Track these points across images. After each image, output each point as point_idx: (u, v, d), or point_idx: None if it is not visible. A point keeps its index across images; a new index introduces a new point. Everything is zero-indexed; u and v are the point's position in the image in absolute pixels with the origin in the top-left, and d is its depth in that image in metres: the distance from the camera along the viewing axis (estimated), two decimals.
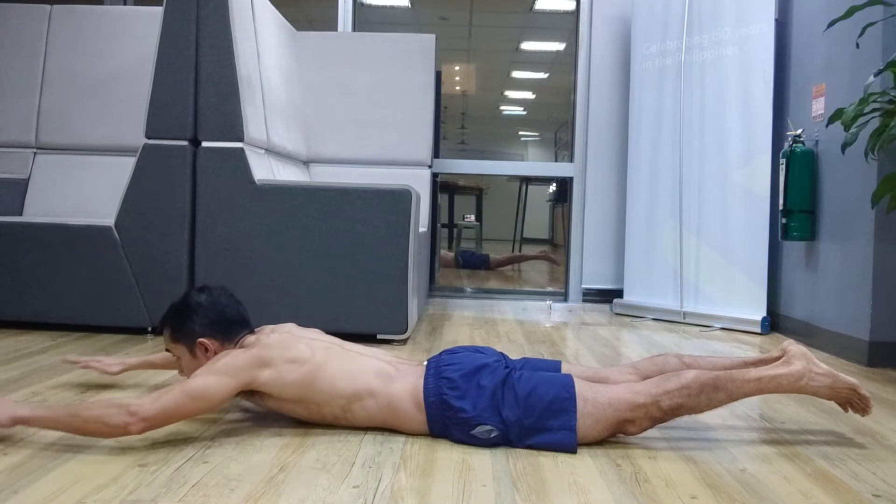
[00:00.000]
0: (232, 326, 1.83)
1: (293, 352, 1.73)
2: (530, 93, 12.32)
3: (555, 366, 1.89)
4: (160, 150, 3.02)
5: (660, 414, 1.69)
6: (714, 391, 1.70)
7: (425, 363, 1.80)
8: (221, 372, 1.67)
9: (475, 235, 8.91)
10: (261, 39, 3.43)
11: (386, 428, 1.79)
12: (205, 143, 3.02)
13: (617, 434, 1.72)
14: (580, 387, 1.70)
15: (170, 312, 1.85)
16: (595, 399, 1.69)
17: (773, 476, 1.58)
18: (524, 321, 3.90)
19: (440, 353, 1.82)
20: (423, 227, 3.94)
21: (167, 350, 1.87)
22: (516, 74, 11.16)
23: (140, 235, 3.02)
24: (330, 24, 4.81)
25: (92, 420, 1.56)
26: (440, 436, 1.75)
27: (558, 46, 9.41)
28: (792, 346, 1.83)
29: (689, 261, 4.00)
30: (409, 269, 2.95)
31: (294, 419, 1.83)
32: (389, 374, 1.76)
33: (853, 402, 1.81)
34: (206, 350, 1.80)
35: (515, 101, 13.04)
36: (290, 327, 1.92)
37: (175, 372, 2.31)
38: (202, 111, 3.02)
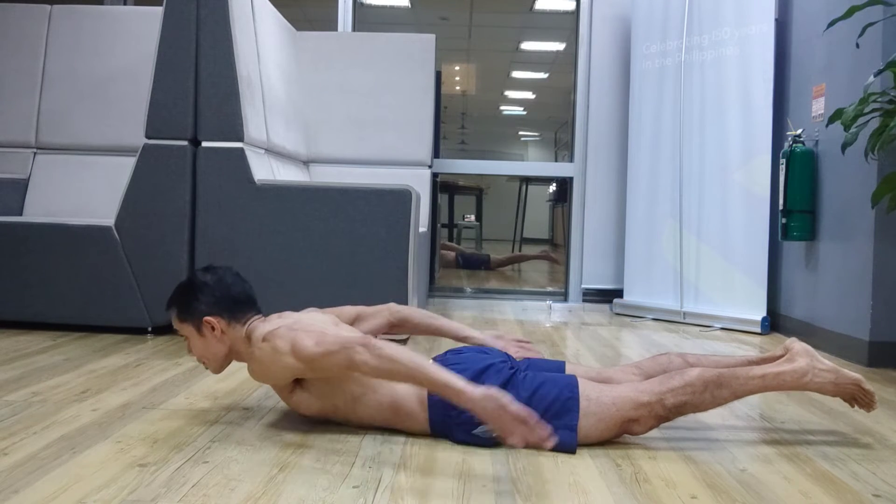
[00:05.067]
0: (238, 305, 1.83)
1: (315, 323, 1.78)
2: (530, 93, 12.33)
3: (558, 366, 1.89)
4: (160, 150, 3.02)
5: (664, 412, 1.69)
6: (718, 388, 1.70)
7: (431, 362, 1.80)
8: (301, 330, 1.69)
9: (475, 236, 8.91)
10: (261, 39, 3.43)
11: (387, 427, 1.79)
12: (205, 143, 3.02)
13: (623, 434, 1.72)
14: (584, 386, 1.70)
15: (176, 293, 1.85)
16: (599, 398, 1.69)
17: (773, 476, 1.58)
18: (524, 321, 3.90)
19: (445, 353, 1.82)
20: (423, 227, 3.94)
21: (176, 330, 1.87)
22: (516, 74, 11.16)
23: (140, 235, 3.02)
24: (330, 24, 4.81)
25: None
26: (441, 435, 1.75)
27: (558, 46, 9.41)
28: (795, 343, 1.83)
29: (689, 261, 4.00)
30: (409, 269, 2.95)
31: (294, 419, 1.83)
32: None
33: (858, 397, 1.80)
34: (213, 329, 1.79)
35: (515, 101, 13.04)
36: (290, 313, 1.92)
37: (164, 370, 2.30)
38: (202, 111, 3.02)
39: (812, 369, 1.76)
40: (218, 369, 1.86)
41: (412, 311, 2.08)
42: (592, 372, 1.89)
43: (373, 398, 1.74)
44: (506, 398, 1.45)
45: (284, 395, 1.79)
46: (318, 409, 1.78)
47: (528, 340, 2.04)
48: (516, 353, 1.97)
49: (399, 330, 2.08)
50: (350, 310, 2.07)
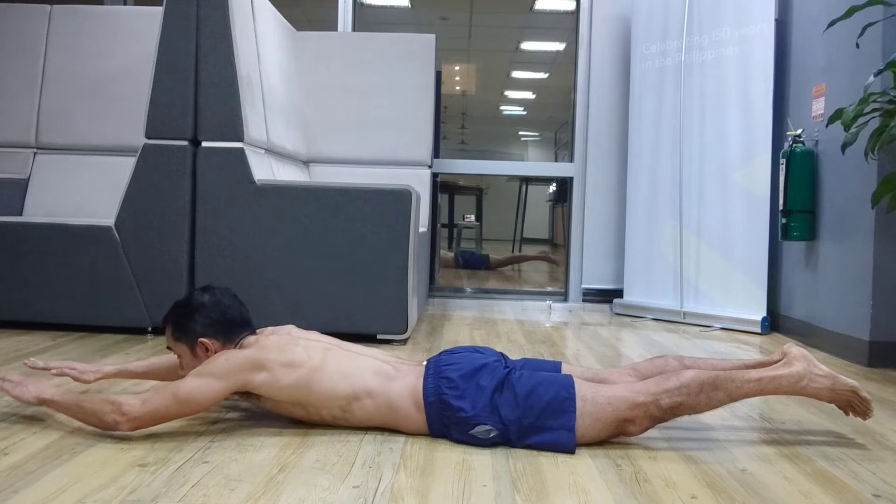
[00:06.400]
0: (233, 328, 1.84)
1: (290, 355, 1.73)
2: (530, 93, 12.33)
3: (555, 366, 1.89)
4: (160, 150, 3.02)
5: (659, 413, 1.69)
6: (713, 390, 1.70)
7: (425, 363, 1.80)
8: (213, 375, 1.67)
9: (475, 236, 8.91)
10: (261, 39, 3.43)
11: (385, 428, 1.79)
12: (205, 143, 3.02)
13: (618, 435, 1.72)
14: (580, 386, 1.70)
15: (173, 311, 1.85)
16: (594, 398, 1.69)
17: (773, 476, 1.58)
18: (524, 321, 3.90)
19: (439, 354, 1.82)
20: (423, 227, 3.94)
21: (168, 348, 1.87)
22: (516, 74, 11.16)
23: (140, 235, 3.02)
24: (330, 24, 4.81)
25: (90, 413, 1.67)
26: (440, 435, 1.75)
27: (558, 46, 9.41)
28: (793, 348, 1.83)
29: (689, 261, 4.00)
30: (409, 269, 2.95)
31: (293, 419, 1.83)
32: (388, 373, 1.76)
33: (854, 404, 1.80)
34: (207, 350, 1.80)
35: (515, 101, 13.04)
36: (290, 329, 1.93)
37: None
38: (202, 111, 3.02)
39: (809, 374, 1.76)
40: None
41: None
42: (589, 373, 1.89)
43: (369, 403, 1.75)
44: None
45: (255, 402, 1.80)
46: (305, 419, 1.80)
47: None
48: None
49: None
50: None
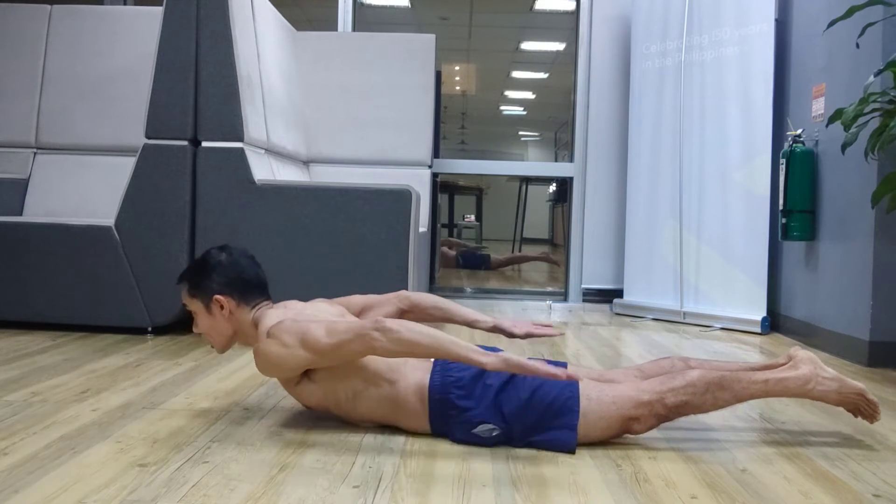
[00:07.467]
0: (249, 288, 1.85)
1: (321, 315, 1.79)
2: (530, 93, 12.33)
3: (561, 367, 1.88)
4: (160, 150, 3.02)
5: (664, 411, 1.69)
6: (719, 390, 1.70)
7: (433, 360, 1.80)
8: (305, 321, 1.70)
9: (475, 236, 8.91)
10: (261, 39, 3.43)
11: (385, 423, 1.79)
12: (205, 143, 3.02)
13: (623, 433, 1.72)
14: (584, 386, 1.70)
15: (189, 268, 1.87)
16: (599, 397, 1.69)
17: (773, 476, 1.58)
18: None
19: None
20: (423, 227, 3.94)
21: (183, 305, 1.88)
22: (516, 74, 11.16)
23: (140, 235, 3.02)
24: (330, 24, 4.81)
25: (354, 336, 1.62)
26: (440, 433, 1.75)
27: (558, 46, 9.41)
28: (799, 351, 1.83)
29: (689, 261, 4.00)
30: (409, 269, 2.95)
31: (294, 418, 1.83)
32: (398, 366, 1.76)
33: (862, 407, 1.80)
34: (222, 308, 1.81)
35: (515, 101, 13.05)
36: (295, 303, 1.92)
37: (169, 374, 2.30)
38: (202, 111, 3.02)
39: (815, 377, 1.76)
40: (222, 348, 1.88)
41: (421, 296, 2.06)
42: (594, 373, 1.89)
43: (374, 392, 1.74)
44: (518, 358, 1.56)
45: (290, 385, 1.79)
46: (319, 401, 1.78)
47: (548, 324, 1.97)
48: (529, 330, 1.94)
49: (408, 317, 2.06)
50: (358, 299, 2.07)
